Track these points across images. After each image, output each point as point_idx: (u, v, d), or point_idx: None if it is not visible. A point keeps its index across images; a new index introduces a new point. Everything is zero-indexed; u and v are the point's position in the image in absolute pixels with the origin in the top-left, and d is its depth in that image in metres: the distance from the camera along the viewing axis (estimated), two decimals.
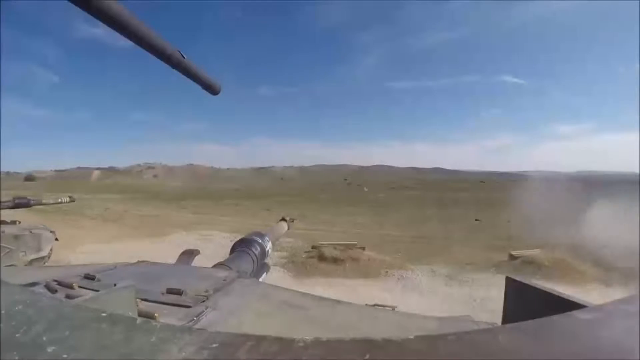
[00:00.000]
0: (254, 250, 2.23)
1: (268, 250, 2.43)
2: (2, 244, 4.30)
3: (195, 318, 0.98)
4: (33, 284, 1.08)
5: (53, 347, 0.36)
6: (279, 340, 0.38)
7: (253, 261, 2.12)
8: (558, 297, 0.76)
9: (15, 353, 0.35)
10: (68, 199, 6.24)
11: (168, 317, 0.97)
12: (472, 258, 11.17)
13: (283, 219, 3.81)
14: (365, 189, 56.15)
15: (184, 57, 1.04)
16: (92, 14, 0.75)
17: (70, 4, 0.71)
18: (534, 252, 10.96)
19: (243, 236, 2.43)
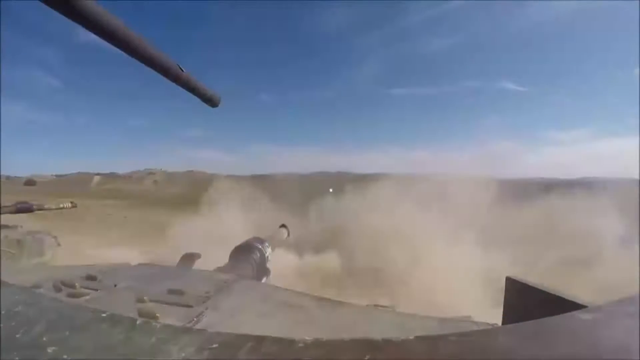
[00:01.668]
0: (253, 256, 2.23)
1: (267, 256, 2.42)
2: (5, 249, 4.31)
3: (195, 318, 0.98)
4: (33, 284, 1.08)
5: (53, 348, 0.36)
6: (279, 340, 0.38)
7: (252, 267, 2.12)
8: (558, 297, 0.76)
9: (15, 353, 0.35)
10: (70, 205, 6.26)
11: (169, 317, 0.97)
12: None
13: (283, 226, 3.81)
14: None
15: (182, 71, 1.05)
16: (87, 28, 0.75)
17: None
18: None
19: (242, 242, 2.44)
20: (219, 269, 1.85)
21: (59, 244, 5.38)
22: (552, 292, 0.79)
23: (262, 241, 2.47)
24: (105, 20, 0.76)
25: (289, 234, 3.77)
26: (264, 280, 2.24)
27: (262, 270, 2.29)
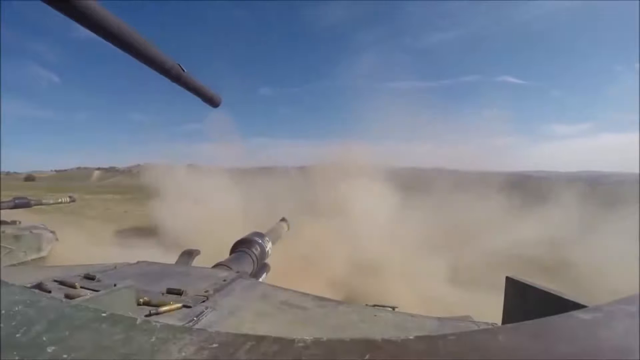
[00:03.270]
0: (254, 250, 2.22)
1: (268, 251, 2.42)
2: (2, 244, 4.31)
3: (195, 318, 0.98)
4: (33, 284, 1.08)
5: (53, 347, 0.36)
6: (279, 340, 0.38)
7: (253, 261, 2.12)
8: (558, 297, 0.76)
9: (15, 353, 0.35)
10: (68, 199, 6.25)
11: (168, 317, 0.97)
12: None
13: (283, 220, 3.81)
14: None
15: (183, 71, 1.03)
16: (87, 28, 0.73)
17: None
18: None
19: (243, 236, 2.43)
20: (219, 265, 1.85)
21: (57, 239, 5.38)
22: (552, 292, 0.79)
23: (262, 236, 2.47)
24: (106, 19, 0.74)
25: (289, 228, 3.77)
26: (263, 275, 2.25)
27: (262, 265, 2.29)
